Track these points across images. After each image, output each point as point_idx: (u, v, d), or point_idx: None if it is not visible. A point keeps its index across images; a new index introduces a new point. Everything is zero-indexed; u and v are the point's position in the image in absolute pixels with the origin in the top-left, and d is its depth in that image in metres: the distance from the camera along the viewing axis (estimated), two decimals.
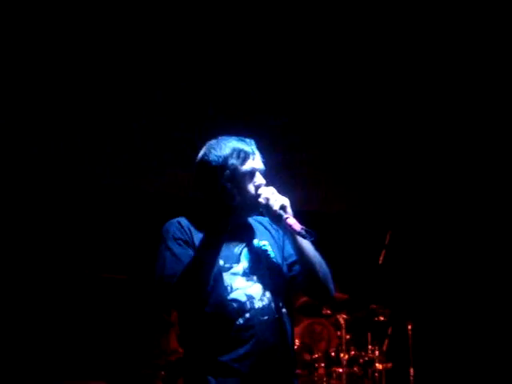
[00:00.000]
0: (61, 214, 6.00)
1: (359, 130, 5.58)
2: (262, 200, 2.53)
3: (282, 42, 4.54)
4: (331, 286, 2.59)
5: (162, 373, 5.47)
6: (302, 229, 2.44)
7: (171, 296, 2.42)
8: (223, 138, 2.65)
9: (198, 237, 2.52)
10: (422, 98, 5.18)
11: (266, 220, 2.70)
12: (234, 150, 2.58)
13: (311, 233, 2.43)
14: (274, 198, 2.52)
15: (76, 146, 5.56)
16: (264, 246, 2.63)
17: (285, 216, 2.48)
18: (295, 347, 5.17)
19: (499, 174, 5.86)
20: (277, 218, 2.50)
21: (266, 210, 2.53)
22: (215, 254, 2.42)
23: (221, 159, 2.57)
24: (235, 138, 2.64)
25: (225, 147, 2.59)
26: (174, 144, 5.50)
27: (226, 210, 2.45)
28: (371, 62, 4.75)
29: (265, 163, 2.67)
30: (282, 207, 2.50)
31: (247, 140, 2.65)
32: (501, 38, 4.49)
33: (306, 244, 2.53)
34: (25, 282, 5.83)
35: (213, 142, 2.65)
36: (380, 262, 5.63)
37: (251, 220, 2.70)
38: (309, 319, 5.92)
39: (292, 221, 2.47)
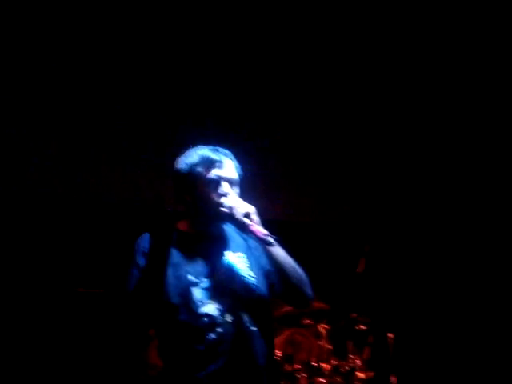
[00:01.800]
0: (35, 230, 5.93)
1: (335, 138, 5.59)
2: (224, 209, 2.51)
3: (253, 41, 4.54)
4: (308, 291, 2.59)
5: None
6: (264, 235, 2.42)
7: (131, 307, 2.40)
8: (197, 147, 2.65)
9: (171, 250, 2.49)
10: (394, 104, 5.21)
11: None
12: (201, 157, 2.58)
13: (274, 238, 2.42)
14: (238, 206, 2.50)
15: (48, 162, 5.51)
16: (238, 257, 2.60)
17: (248, 224, 2.46)
18: (276, 358, 5.19)
19: (478, 184, 5.89)
20: (242, 227, 2.49)
21: (230, 219, 2.51)
22: (160, 264, 2.38)
23: (187, 167, 2.57)
24: (210, 147, 2.63)
25: (194, 155, 2.60)
26: (146, 156, 5.46)
27: (170, 218, 2.43)
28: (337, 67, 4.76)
29: (241, 174, 2.64)
30: (246, 215, 2.48)
31: (221, 149, 2.64)
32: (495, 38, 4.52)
33: (277, 250, 2.51)
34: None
35: (188, 151, 2.65)
36: (359, 270, 5.61)
37: (230, 230, 2.68)
38: (289, 329, 5.89)
39: (255, 228, 2.45)
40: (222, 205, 2.53)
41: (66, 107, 5.10)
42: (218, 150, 2.63)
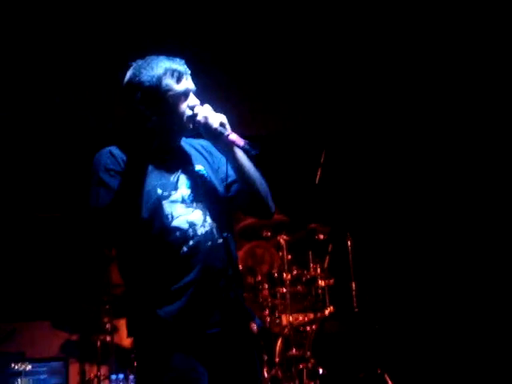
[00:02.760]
0: None
1: (285, 47, 5.49)
2: (200, 119, 2.45)
3: None
4: (272, 203, 2.58)
5: (107, 307, 5.48)
6: (245, 143, 2.40)
7: (105, 224, 2.33)
8: (152, 57, 2.52)
9: None
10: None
11: (197, 143, 2.65)
12: (167, 69, 2.46)
13: (255, 146, 2.40)
14: (212, 115, 2.45)
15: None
16: (200, 170, 2.57)
17: (226, 133, 2.43)
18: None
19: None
20: (217, 136, 2.45)
21: (205, 129, 2.46)
22: (139, 178, 2.34)
23: (154, 79, 2.44)
24: (165, 57, 2.52)
25: (157, 67, 2.46)
26: (97, 73, 5.33)
27: (148, 132, 2.36)
28: None
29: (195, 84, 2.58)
30: (222, 124, 2.44)
31: (178, 59, 2.53)
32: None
33: (246, 161, 2.50)
34: None
35: (141, 62, 2.51)
36: (316, 181, 5.65)
37: (184, 144, 2.63)
38: (250, 243, 5.96)
39: (234, 136, 2.43)
40: (196, 116, 2.46)
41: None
42: (176, 60, 2.50)
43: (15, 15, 4.68)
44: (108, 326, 5.47)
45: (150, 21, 4.89)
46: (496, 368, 5.23)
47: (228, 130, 2.45)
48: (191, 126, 2.49)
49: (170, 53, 2.54)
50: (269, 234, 5.56)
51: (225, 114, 2.50)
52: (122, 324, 5.45)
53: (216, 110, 2.50)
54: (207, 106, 2.49)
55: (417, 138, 6.20)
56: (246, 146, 2.41)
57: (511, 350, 5.34)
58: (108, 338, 5.46)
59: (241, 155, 2.48)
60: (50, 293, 5.79)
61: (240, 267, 5.41)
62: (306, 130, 6.57)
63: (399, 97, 6.02)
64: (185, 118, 2.48)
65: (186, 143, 2.64)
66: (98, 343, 5.42)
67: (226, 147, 2.48)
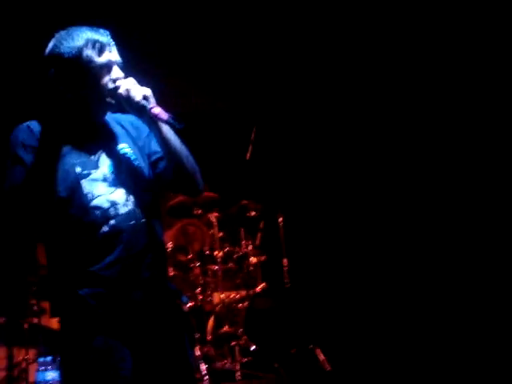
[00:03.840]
0: None
1: (218, 25, 5.44)
2: (122, 92, 2.35)
3: None
4: (200, 179, 2.52)
5: (34, 288, 5.35)
6: (169, 117, 2.33)
7: (19, 203, 2.25)
8: (74, 28, 2.41)
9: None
10: None
11: (124, 119, 2.56)
12: (88, 40, 2.36)
13: (180, 120, 2.34)
14: (135, 88, 2.36)
15: None
16: (123, 148, 2.48)
17: (149, 106, 2.34)
18: (169, 250, 5.20)
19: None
20: (140, 110, 2.36)
21: (128, 102, 2.36)
22: (54, 154, 2.27)
23: (74, 50, 2.35)
24: (88, 27, 2.41)
25: (78, 38, 2.37)
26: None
27: (63, 108, 2.30)
28: None
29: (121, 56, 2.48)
30: (145, 97, 2.35)
31: (101, 30, 2.42)
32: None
33: (172, 136, 2.41)
34: None
35: (62, 32, 2.41)
36: (247, 157, 5.63)
37: (109, 120, 2.54)
38: (181, 221, 5.91)
39: (157, 110, 2.34)
40: (117, 89, 2.36)
41: None
42: (100, 31, 2.42)
43: None
44: (35, 308, 5.35)
45: None
46: (427, 341, 5.34)
47: (152, 104, 2.35)
48: (113, 99, 2.39)
49: (96, 25, 2.45)
50: (200, 211, 5.52)
51: (152, 89, 2.42)
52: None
53: (144, 85, 2.42)
54: (131, 79, 2.40)
55: (347, 115, 6.23)
56: (171, 120, 2.32)
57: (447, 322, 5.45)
58: (35, 320, 5.34)
59: (166, 130, 2.40)
60: None
61: (171, 245, 5.41)
62: (237, 107, 6.53)
63: (331, 72, 6.04)
64: (106, 91, 2.38)
65: (112, 119, 2.54)
66: (26, 326, 5.29)
67: (151, 121, 2.39)
